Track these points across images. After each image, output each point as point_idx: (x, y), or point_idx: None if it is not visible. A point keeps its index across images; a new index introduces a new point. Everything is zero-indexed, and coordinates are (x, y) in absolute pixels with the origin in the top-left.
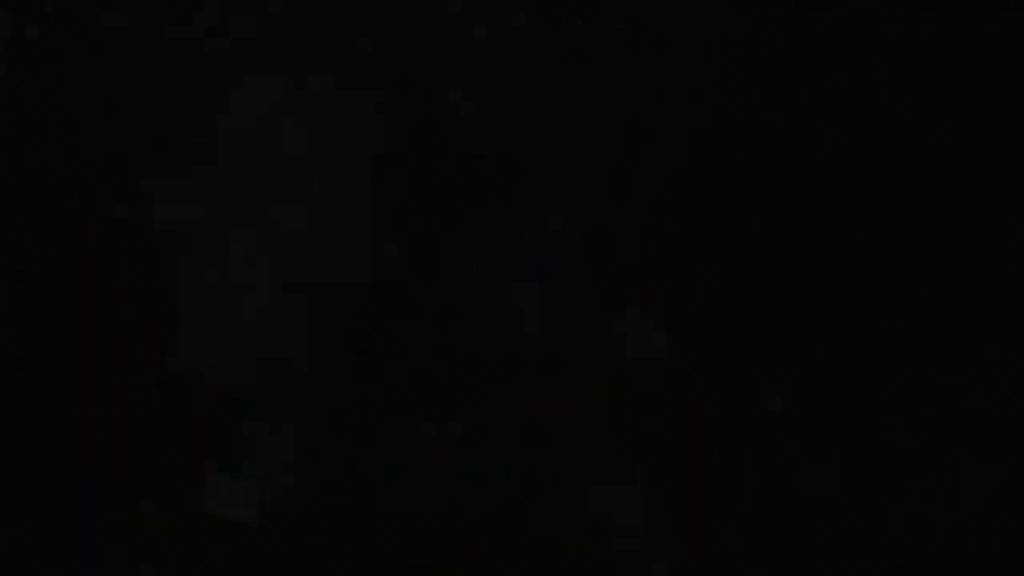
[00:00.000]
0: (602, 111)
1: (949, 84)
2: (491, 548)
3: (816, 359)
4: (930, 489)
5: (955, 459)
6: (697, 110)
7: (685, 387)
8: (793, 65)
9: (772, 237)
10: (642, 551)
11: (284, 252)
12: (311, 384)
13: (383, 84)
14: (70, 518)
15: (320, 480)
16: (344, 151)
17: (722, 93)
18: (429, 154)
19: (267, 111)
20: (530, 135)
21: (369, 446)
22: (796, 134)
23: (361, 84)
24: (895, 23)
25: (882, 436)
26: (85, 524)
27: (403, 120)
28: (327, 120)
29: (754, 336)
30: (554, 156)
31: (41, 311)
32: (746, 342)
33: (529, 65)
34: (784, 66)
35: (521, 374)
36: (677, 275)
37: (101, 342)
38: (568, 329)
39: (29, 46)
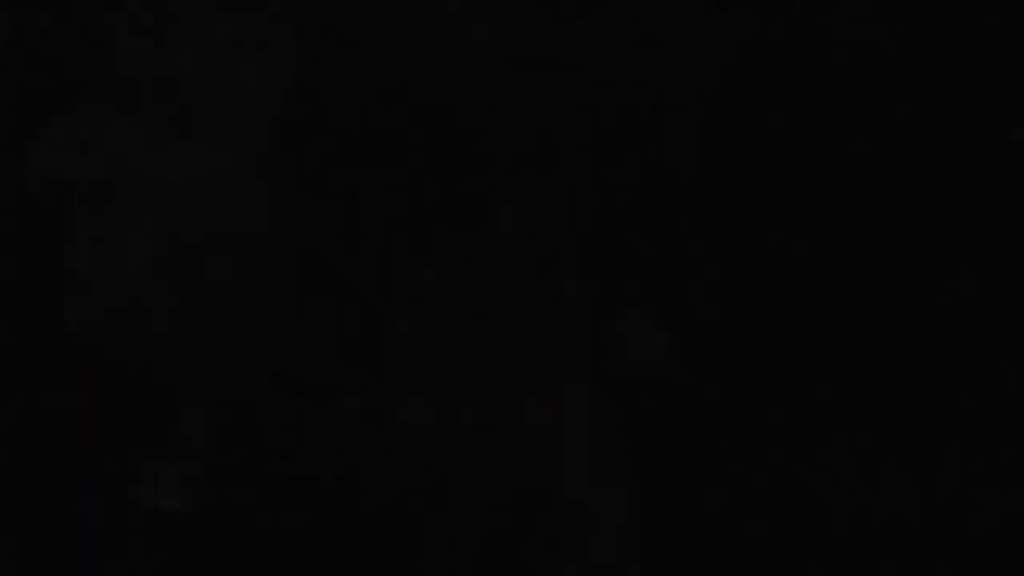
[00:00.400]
0: (602, 107)
1: (952, 84)
2: (462, 544)
3: (818, 359)
4: (931, 491)
5: (956, 461)
6: (699, 108)
7: (685, 387)
8: (795, 64)
9: (774, 237)
10: (639, 552)
11: (211, 222)
12: (242, 363)
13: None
14: None
15: (253, 465)
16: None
17: (723, 91)
18: (416, 144)
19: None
20: (528, 131)
21: (314, 430)
22: (798, 133)
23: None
24: (896, 22)
25: (884, 437)
26: (7, 517)
27: (396, 111)
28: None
29: (756, 336)
30: (552, 153)
31: None
32: (747, 342)
33: (527, 59)
34: (787, 65)
35: (515, 374)
36: (677, 275)
37: (19, 328)
38: (567, 328)
39: (29, 46)
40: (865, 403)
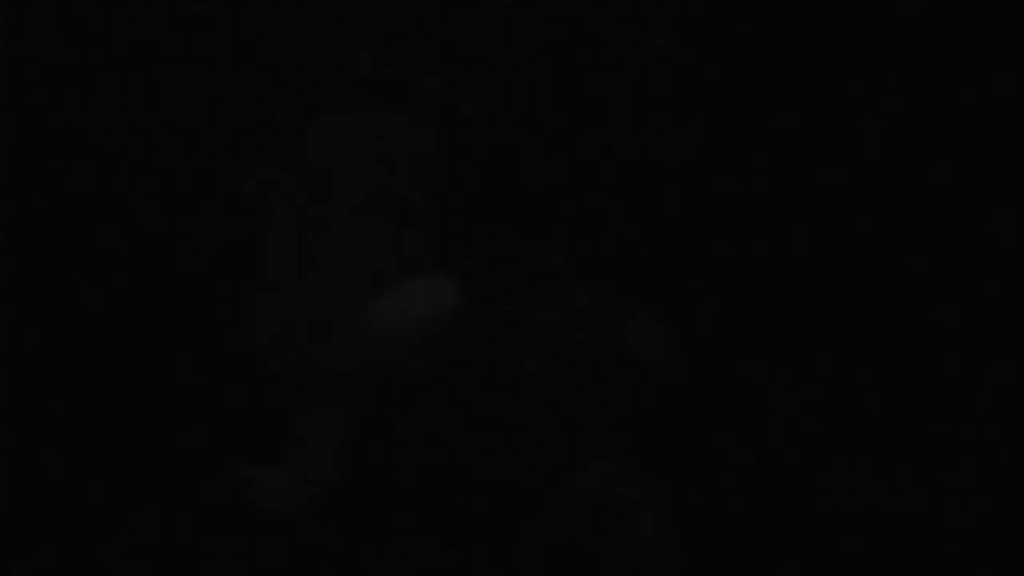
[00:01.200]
0: (605, 108)
1: (951, 84)
2: (519, 539)
3: (818, 359)
4: (930, 491)
5: (956, 460)
6: (699, 108)
7: (685, 387)
8: (796, 63)
9: (775, 238)
10: (639, 551)
11: (337, 242)
12: (358, 371)
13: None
14: (108, 510)
15: (366, 470)
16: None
17: (724, 91)
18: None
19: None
20: (529, 133)
21: (415, 434)
22: (798, 136)
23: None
24: (897, 22)
25: (883, 436)
26: (124, 518)
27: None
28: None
29: (756, 336)
30: (553, 154)
31: (88, 288)
32: (748, 343)
33: (529, 64)
34: (787, 65)
35: (526, 372)
36: (678, 275)
37: (147, 326)
38: (569, 329)
39: (29, 46)
40: (865, 402)
